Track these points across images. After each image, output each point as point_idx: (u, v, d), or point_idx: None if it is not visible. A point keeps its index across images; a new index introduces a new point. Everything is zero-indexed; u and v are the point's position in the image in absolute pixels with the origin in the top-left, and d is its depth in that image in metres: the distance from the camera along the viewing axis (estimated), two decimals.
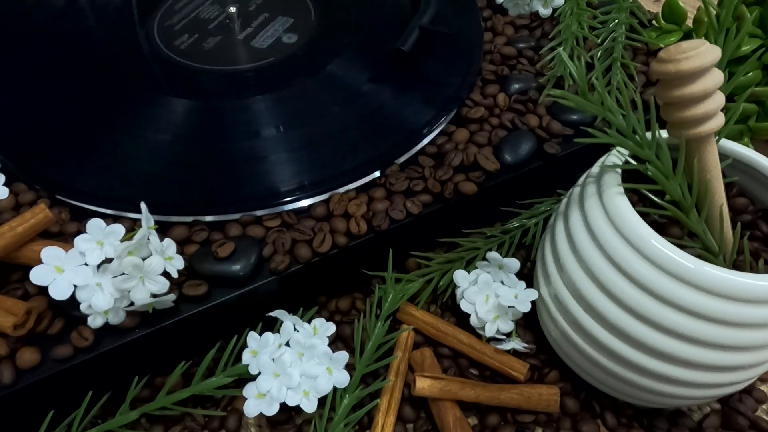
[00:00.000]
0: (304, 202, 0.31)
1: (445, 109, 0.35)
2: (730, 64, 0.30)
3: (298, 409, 0.27)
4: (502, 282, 0.32)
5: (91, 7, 0.41)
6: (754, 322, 0.23)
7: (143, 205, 0.26)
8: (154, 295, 0.26)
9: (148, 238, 0.25)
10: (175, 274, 0.26)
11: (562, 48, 0.38)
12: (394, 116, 0.35)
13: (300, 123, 0.34)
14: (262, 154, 0.33)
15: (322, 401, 0.28)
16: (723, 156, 0.28)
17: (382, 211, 0.31)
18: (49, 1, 0.41)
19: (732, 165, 0.28)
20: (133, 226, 0.28)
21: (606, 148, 0.28)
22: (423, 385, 0.29)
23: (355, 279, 0.34)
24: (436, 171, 0.32)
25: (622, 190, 0.26)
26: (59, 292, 0.25)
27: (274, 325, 0.29)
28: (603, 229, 0.26)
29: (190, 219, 0.30)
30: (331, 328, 0.29)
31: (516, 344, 0.31)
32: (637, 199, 0.28)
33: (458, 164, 0.32)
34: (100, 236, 0.26)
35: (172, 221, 0.30)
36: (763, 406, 0.32)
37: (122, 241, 0.26)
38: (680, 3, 0.43)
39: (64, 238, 0.29)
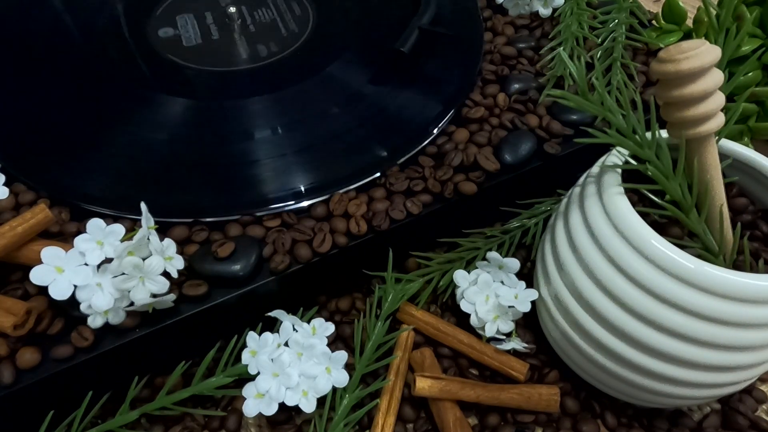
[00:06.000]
0: (304, 202, 0.31)
1: (445, 110, 0.35)
2: (730, 64, 0.30)
3: (298, 409, 0.27)
4: (502, 282, 0.32)
5: (92, 7, 0.41)
6: (754, 322, 0.23)
7: (143, 205, 0.26)
8: (154, 295, 0.26)
9: (148, 238, 0.25)
10: (175, 274, 0.26)
11: (562, 48, 0.38)
12: (394, 116, 0.35)
13: (300, 123, 0.34)
14: (263, 154, 0.33)
15: (321, 401, 0.28)
16: (723, 156, 0.28)
17: (382, 211, 0.31)
18: (48, 1, 0.41)
19: (732, 165, 0.28)
20: (133, 226, 0.28)
21: (606, 148, 0.28)
22: (423, 385, 0.29)
23: (355, 279, 0.34)
24: (436, 171, 0.32)
25: (622, 190, 0.26)
26: (59, 292, 0.25)
27: (274, 325, 0.29)
28: (603, 229, 0.26)
29: (190, 219, 0.30)
30: (330, 328, 0.29)
31: (516, 344, 0.31)
32: (637, 199, 0.28)
33: (458, 164, 0.32)
34: (100, 236, 0.26)
35: (172, 221, 0.30)
36: (763, 406, 0.32)
37: (122, 241, 0.26)
38: (680, 3, 0.43)
39: (64, 238, 0.29)
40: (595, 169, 0.28)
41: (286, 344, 0.28)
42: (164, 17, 0.41)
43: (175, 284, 0.28)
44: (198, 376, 0.29)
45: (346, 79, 0.37)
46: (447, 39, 0.38)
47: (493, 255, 0.32)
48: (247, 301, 0.29)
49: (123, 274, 0.25)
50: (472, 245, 0.34)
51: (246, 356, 0.28)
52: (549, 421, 0.31)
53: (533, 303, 0.31)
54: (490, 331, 0.31)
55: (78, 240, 0.25)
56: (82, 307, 0.25)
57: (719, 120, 0.24)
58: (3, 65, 0.37)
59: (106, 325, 0.26)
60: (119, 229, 0.26)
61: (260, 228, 0.30)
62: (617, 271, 0.25)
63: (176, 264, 0.27)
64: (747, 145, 0.36)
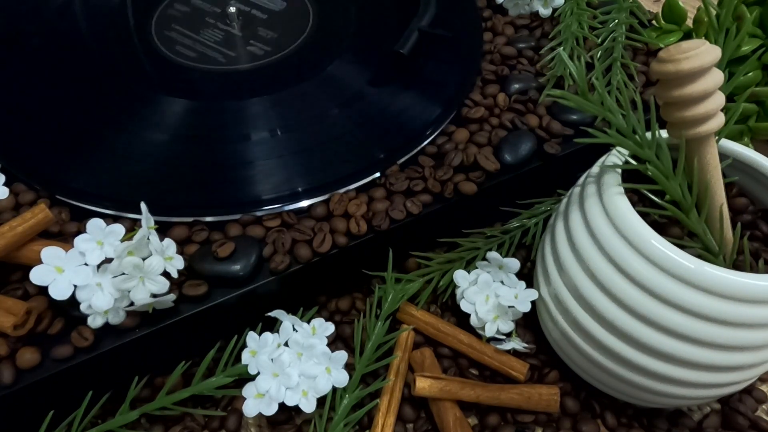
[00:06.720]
0: (304, 202, 0.31)
1: (445, 110, 0.35)
2: (730, 64, 0.30)
3: (298, 409, 0.27)
4: (502, 282, 0.32)
5: (91, 6, 0.41)
6: (754, 322, 0.23)
7: (143, 205, 0.26)
8: (154, 295, 0.26)
9: (148, 238, 0.25)
10: (175, 274, 0.26)
11: (562, 48, 0.38)
12: (394, 117, 0.35)
13: (300, 123, 0.34)
14: (263, 154, 0.33)
15: (321, 401, 0.28)
16: (723, 156, 0.28)
17: (382, 211, 0.31)
18: (48, 0, 0.41)
19: (732, 165, 0.28)
20: (133, 226, 0.28)
21: (606, 148, 0.28)
22: (423, 385, 0.29)
23: (355, 279, 0.34)
24: (436, 171, 0.32)
25: (622, 190, 0.26)
26: (59, 292, 0.25)
27: (274, 325, 0.29)
28: (603, 229, 0.26)
29: (190, 219, 0.30)
30: (330, 327, 0.29)
31: (516, 344, 0.31)
32: (637, 199, 0.28)
33: (458, 164, 0.32)
34: (100, 236, 0.26)
35: (172, 221, 0.30)
36: (763, 406, 0.32)
37: (122, 241, 0.26)
38: (680, 3, 0.43)
39: (64, 238, 0.29)
40: (595, 169, 0.28)
41: (286, 344, 0.28)
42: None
43: (175, 284, 0.28)
44: (198, 376, 0.29)
45: (346, 80, 0.37)
46: (447, 40, 0.38)
47: (493, 255, 0.32)
48: (247, 301, 0.29)
49: (123, 274, 0.25)
50: (472, 245, 0.34)
51: (246, 356, 0.28)
52: (549, 421, 0.31)
53: (533, 303, 0.31)
54: (490, 331, 0.31)
55: (78, 240, 0.25)
56: (82, 307, 0.25)
57: (719, 120, 0.24)
58: (3, 65, 0.37)
59: (106, 325, 0.26)
60: (119, 229, 0.26)
61: (260, 228, 0.30)
62: (617, 271, 0.25)
63: (176, 264, 0.27)
64: (747, 145, 0.36)
